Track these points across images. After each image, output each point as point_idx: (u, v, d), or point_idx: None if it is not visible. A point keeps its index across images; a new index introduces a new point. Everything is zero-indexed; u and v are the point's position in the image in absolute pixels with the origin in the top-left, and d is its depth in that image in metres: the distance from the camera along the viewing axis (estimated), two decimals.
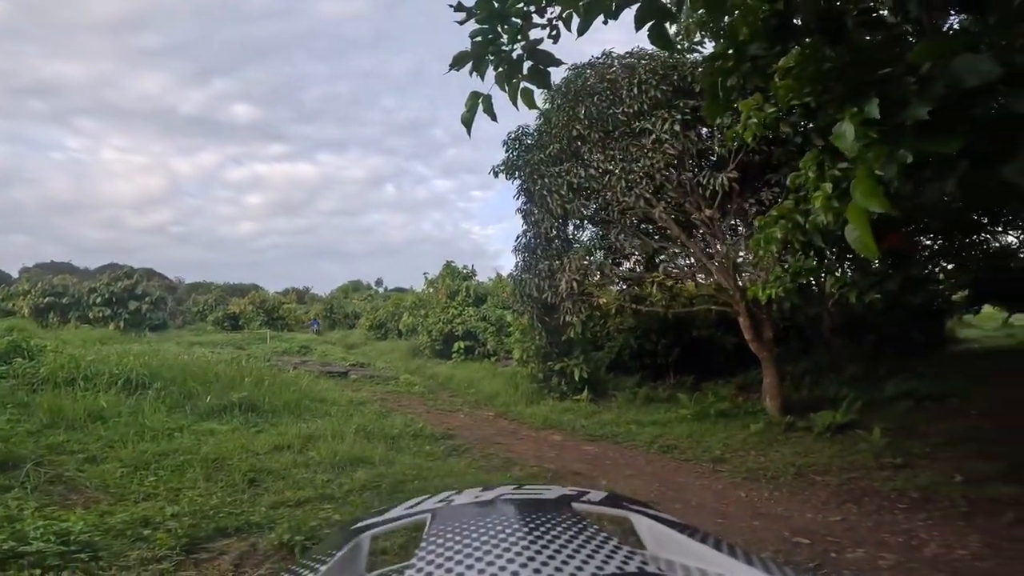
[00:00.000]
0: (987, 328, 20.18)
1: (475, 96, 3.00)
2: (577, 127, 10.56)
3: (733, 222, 10.17)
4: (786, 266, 6.36)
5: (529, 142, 12.04)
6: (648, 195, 9.75)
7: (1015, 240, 13.99)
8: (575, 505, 1.05)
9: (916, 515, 5.22)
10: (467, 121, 3.00)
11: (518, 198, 12.30)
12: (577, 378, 11.91)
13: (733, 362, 13.08)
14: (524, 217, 12.03)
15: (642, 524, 1.05)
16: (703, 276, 11.40)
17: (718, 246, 10.01)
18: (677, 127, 9.37)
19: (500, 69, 3.01)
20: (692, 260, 11.09)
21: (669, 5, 2.82)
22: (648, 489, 6.31)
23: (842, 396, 9.63)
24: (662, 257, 11.73)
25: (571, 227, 12.20)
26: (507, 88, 3.03)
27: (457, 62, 2.97)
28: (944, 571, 4.04)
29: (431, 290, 23.20)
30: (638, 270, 12.24)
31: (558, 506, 1.03)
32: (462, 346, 19.23)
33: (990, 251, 15.59)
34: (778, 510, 5.72)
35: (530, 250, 11.96)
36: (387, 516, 1.15)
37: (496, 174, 12.38)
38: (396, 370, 17.30)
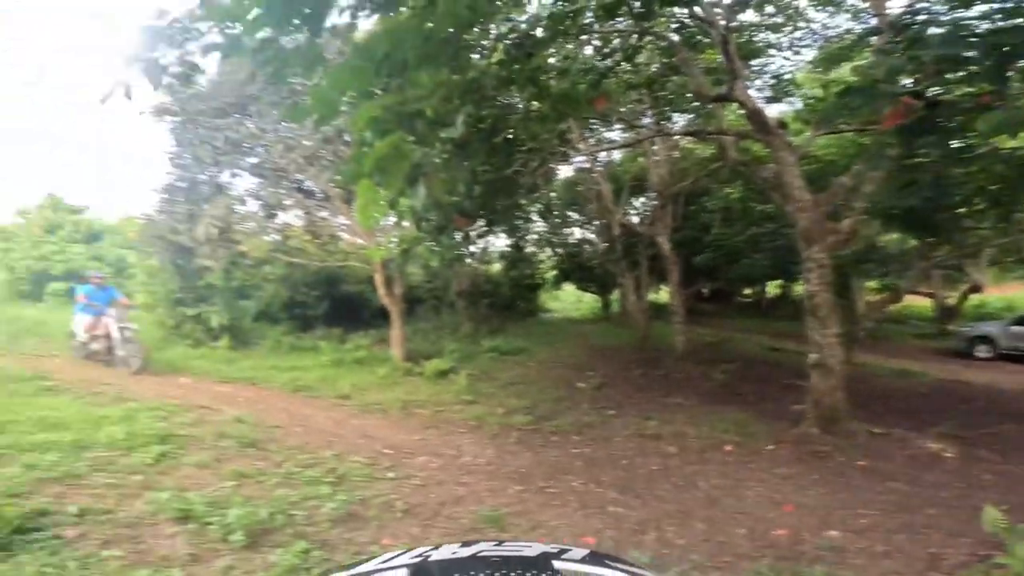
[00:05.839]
0: (567, 301, 27.01)
1: None
2: (253, 86, 10.23)
3: None
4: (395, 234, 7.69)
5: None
6: (302, 160, 10.26)
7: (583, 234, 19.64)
8: (556, 563, 1.07)
9: (466, 436, 7.36)
10: None
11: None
12: (215, 325, 11.64)
13: (380, 317, 14.36)
14: (171, 160, 11.12)
15: None
16: (353, 235, 12.45)
17: None
18: None
19: None
20: (347, 220, 12.04)
21: None
22: (275, 418, 7.04)
23: (451, 348, 12.08)
24: (323, 214, 12.33)
25: (227, 174, 11.76)
26: None
27: None
28: (465, 470, 6.01)
29: (23, 221, 18.80)
30: (298, 224, 12.59)
31: (539, 564, 1.06)
32: (60, 288, 16.32)
33: (570, 242, 21.26)
34: (380, 433, 7.18)
35: (172, 192, 11.14)
36: (358, 571, 1.11)
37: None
38: None
